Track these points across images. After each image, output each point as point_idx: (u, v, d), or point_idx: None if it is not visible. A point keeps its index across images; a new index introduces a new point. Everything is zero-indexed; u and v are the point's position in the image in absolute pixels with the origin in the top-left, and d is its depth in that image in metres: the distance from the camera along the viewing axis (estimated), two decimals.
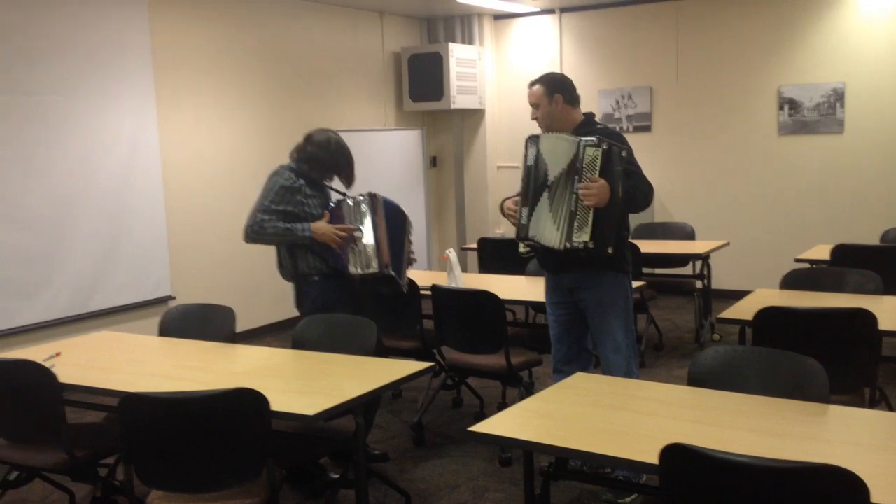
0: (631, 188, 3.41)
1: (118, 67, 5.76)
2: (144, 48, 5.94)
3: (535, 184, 3.56)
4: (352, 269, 3.92)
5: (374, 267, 3.91)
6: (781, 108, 7.35)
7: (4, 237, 5.16)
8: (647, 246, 5.85)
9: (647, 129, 7.96)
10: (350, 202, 4.00)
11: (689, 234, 6.39)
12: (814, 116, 7.23)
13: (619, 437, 2.38)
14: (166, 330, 3.91)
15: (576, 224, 3.38)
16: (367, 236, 3.91)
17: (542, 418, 2.60)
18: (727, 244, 6.20)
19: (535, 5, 8.11)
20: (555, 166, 3.49)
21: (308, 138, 4.05)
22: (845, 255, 4.93)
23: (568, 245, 3.40)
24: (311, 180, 3.98)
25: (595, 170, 3.35)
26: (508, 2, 7.84)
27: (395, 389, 5.19)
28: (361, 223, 3.94)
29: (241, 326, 5.46)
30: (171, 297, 6.04)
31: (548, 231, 3.50)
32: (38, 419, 3.11)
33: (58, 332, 5.25)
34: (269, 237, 3.89)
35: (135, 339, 3.87)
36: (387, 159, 7.81)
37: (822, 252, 5.32)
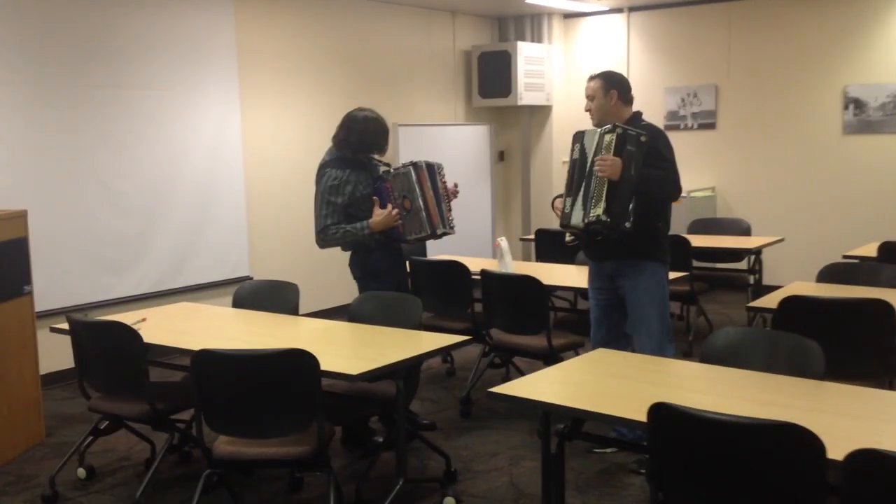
0: (646, 173, 3.68)
1: (205, 64, 6.26)
2: (230, 47, 6.43)
3: (577, 176, 3.87)
4: (407, 237, 4.26)
5: (426, 230, 4.22)
6: (846, 107, 7.38)
7: (104, 220, 5.72)
8: (701, 240, 6.02)
9: (711, 126, 8.08)
10: (394, 173, 4.28)
11: (745, 230, 6.52)
12: (878, 116, 7.24)
13: (625, 401, 2.65)
14: (239, 303, 4.34)
15: (592, 200, 3.67)
16: (417, 205, 4.21)
17: (558, 384, 2.90)
18: (781, 240, 6.31)
19: (604, 4, 8.31)
20: (590, 157, 3.80)
21: (351, 129, 4.28)
22: (892, 252, 5.02)
23: (587, 220, 3.68)
24: (355, 162, 4.27)
25: (611, 151, 3.68)
26: (578, 1, 8.07)
27: (449, 368, 5.56)
28: (408, 191, 4.23)
29: (310, 307, 5.91)
30: (248, 277, 6.51)
31: (578, 214, 3.80)
32: (124, 374, 3.55)
33: (147, 304, 5.74)
34: (336, 241, 4.23)
35: (210, 309, 4.33)
36: (456, 153, 8.14)
37: (873, 250, 5.40)
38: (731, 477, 2.20)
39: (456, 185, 4.39)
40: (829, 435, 2.10)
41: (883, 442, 2.23)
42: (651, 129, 3.89)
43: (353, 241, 4.24)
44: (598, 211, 3.68)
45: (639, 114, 4.05)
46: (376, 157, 4.39)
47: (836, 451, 2.05)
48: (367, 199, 4.22)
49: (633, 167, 3.66)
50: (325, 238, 4.22)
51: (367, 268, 4.30)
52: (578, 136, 3.92)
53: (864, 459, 1.94)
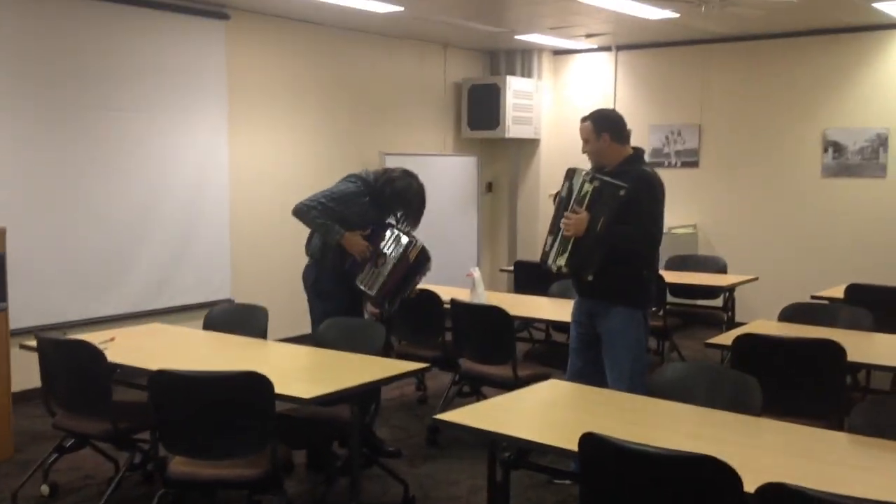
0: (614, 231, 3.69)
1: (195, 88, 6.40)
2: (220, 72, 6.56)
3: (560, 216, 3.87)
4: (357, 281, 4.38)
5: (373, 291, 4.35)
6: (826, 150, 7.50)
7: (87, 238, 5.82)
8: (676, 277, 6.10)
9: (694, 164, 8.20)
10: (394, 232, 4.40)
11: (721, 268, 6.60)
12: (857, 160, 7.36)
13: (566, 431, 2.69)
14: (210, 325, 4.41)
15: (560, 248, 3.75)
16: (387, 267, 4.32)
17: (505, 413, 2.96)
18: (755, 279, 6.38)
19: (593, 42, 8.46)
20: (572, 201, 3.81)
21: (389, 179, 4.42)
22: (857, 294, 5.10)
23: (553, 268, 3.76)
24: (377, 198, 4.41)
25: (583, 204, 3.71)
26: (567, 39, 8.22)
27: (422, 395, 5.62)
28: (390, 254, 4.35)
29: (290, 332, 5.96)
30: (230, 300, 6.58)
31: (552, 256, 3.87)
32: (88, 392, 3.61)
33: (127, 324, 5.79)
34: (308, 222, 4.36)
35: (179, 330, 4.40)
36: (444, 184, 8.26)
37: (841, 291, 5.47)
38: None
39: (420, 291, 4.55)
40: (751, 469, 2.17)
41: (805, 477, 2.28)
42: (641, 177, 3.83)
43: (321, 232, 4.35)
44: (561, 262, 3.79)
45: (639, 153, 3.99)
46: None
47: (756, 485, 2.11)
48: (352, 227, 4.34)
49: (601, 223, 3.67)
50: (304, 213, 4.32)
51: (315, 285, 4.47)
52: (570, 174, 3.89)
53: (773, 492, 2.01)
